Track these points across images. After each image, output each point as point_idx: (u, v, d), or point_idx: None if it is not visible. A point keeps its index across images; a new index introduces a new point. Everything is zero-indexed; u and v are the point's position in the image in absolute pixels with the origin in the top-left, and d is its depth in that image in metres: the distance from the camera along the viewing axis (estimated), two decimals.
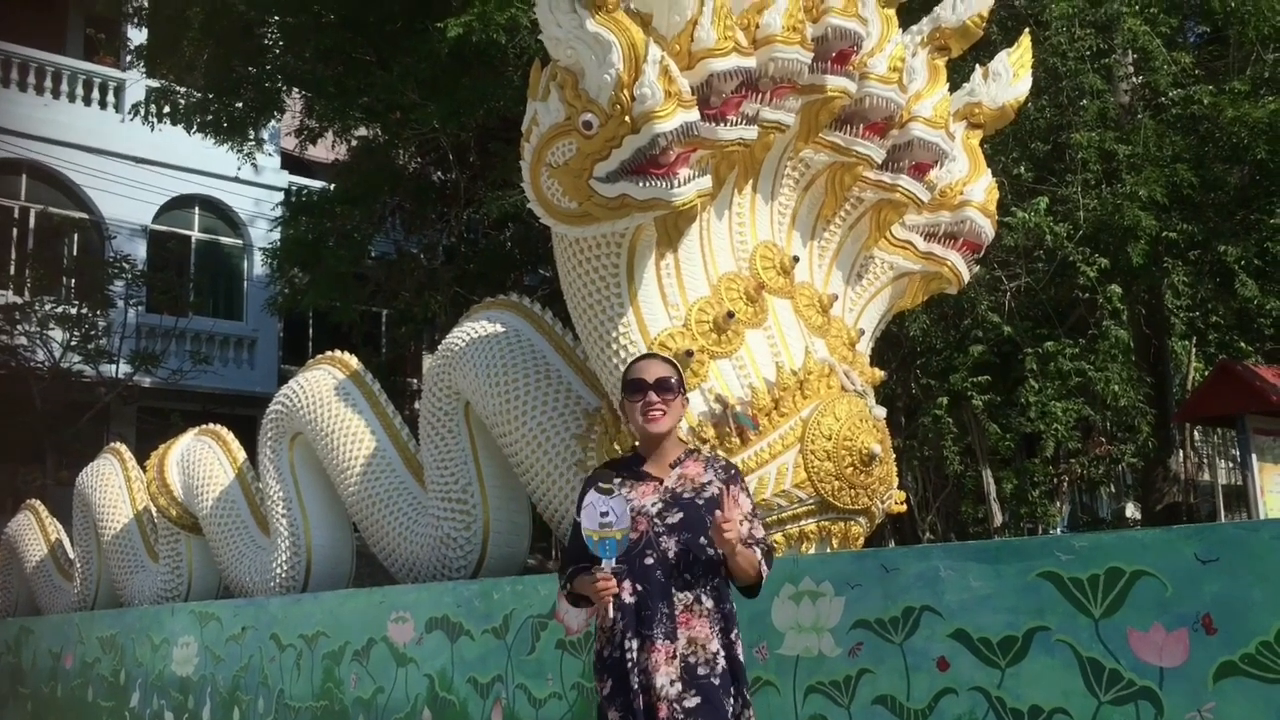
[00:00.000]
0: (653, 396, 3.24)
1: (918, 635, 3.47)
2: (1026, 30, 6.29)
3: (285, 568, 6.48)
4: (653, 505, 3.15)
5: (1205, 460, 15.44)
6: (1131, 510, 16.22)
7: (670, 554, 3.08)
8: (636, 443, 3.39)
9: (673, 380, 3.28)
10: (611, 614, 3.02)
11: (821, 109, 4.88)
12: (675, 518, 3.12)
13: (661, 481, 3.20)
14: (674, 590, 3.06)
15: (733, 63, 4.41)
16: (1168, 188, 9.49)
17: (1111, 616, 3.05)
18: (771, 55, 4.55)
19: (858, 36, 4.81)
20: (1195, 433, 13.43)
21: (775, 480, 4.46)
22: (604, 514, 3.02)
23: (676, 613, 3.04)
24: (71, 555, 9.08)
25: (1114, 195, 9.60)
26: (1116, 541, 3.12)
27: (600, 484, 3.09)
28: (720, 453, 4.33)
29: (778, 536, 4.42)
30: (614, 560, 3.01)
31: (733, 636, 3.09)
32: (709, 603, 3.07)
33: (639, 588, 3.07)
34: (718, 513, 3.03)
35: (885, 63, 4.99)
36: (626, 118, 4.21)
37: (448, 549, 5.61)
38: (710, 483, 3.19)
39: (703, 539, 3.08)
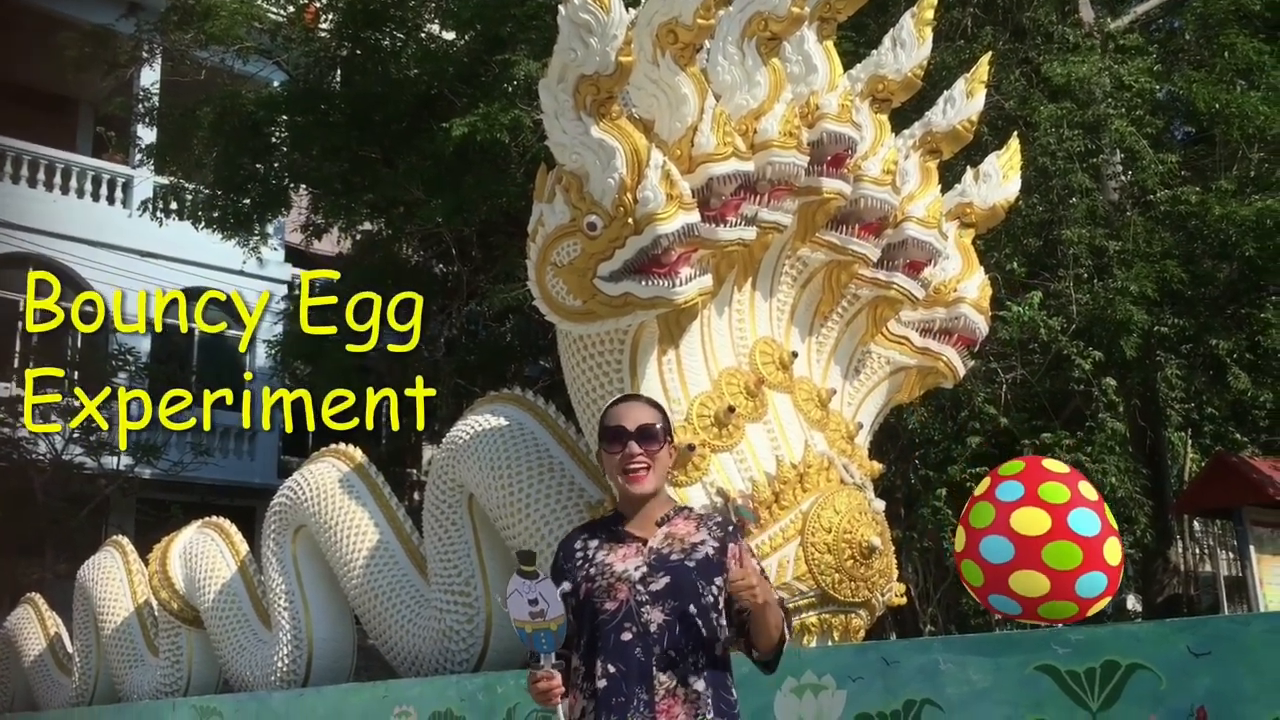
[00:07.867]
0: (634, 448, 2.72)
1: None
2: (1015, 134, 6.49)
3: (286, 661, 6.46)
4: (635, 569, 2.67)
5: (1205, 551, 15.39)
6: (1132, 602, 16.10)
7: (653, 627, 2.60)
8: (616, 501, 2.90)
9: (657, 426, 2.75)
10: (564, 717, 2.61)
11: (818, 210, 5.03)
12: (660, 583, 2.64)
13: (645, 542, 2.72)
14: (655, 670, 2.58)
15: (732, 166, 4.57)
16: (1158, 283, 9.67)
17: (1109, 710, 3.10)
18: (769, 159, 4.72)
19: (852, 141, 5.00)
20: (1194, 524, 13.43)
21: (776, 573, 4.50)
22: (532, 601, 2.55)
23: (657, 699, 2.56)
24: (70, 649, 9.01)
25: (1106, 290, 9.77)
26: (1111, 635, 3.18)
27: (522, 567, 2.59)
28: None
29: None
30: (554, 655, 2.59)
31: None
32: (699, 686, 2.58)
33: (611, 669, 2.60)
34: (733, 567, 2.62)
35: (879, 165, 5.16)
36: (630, 219, 4.36)
37: (450, 641, 5.62)
38: (704, 542, 2.71)
39: (692, 607, 2.62)
